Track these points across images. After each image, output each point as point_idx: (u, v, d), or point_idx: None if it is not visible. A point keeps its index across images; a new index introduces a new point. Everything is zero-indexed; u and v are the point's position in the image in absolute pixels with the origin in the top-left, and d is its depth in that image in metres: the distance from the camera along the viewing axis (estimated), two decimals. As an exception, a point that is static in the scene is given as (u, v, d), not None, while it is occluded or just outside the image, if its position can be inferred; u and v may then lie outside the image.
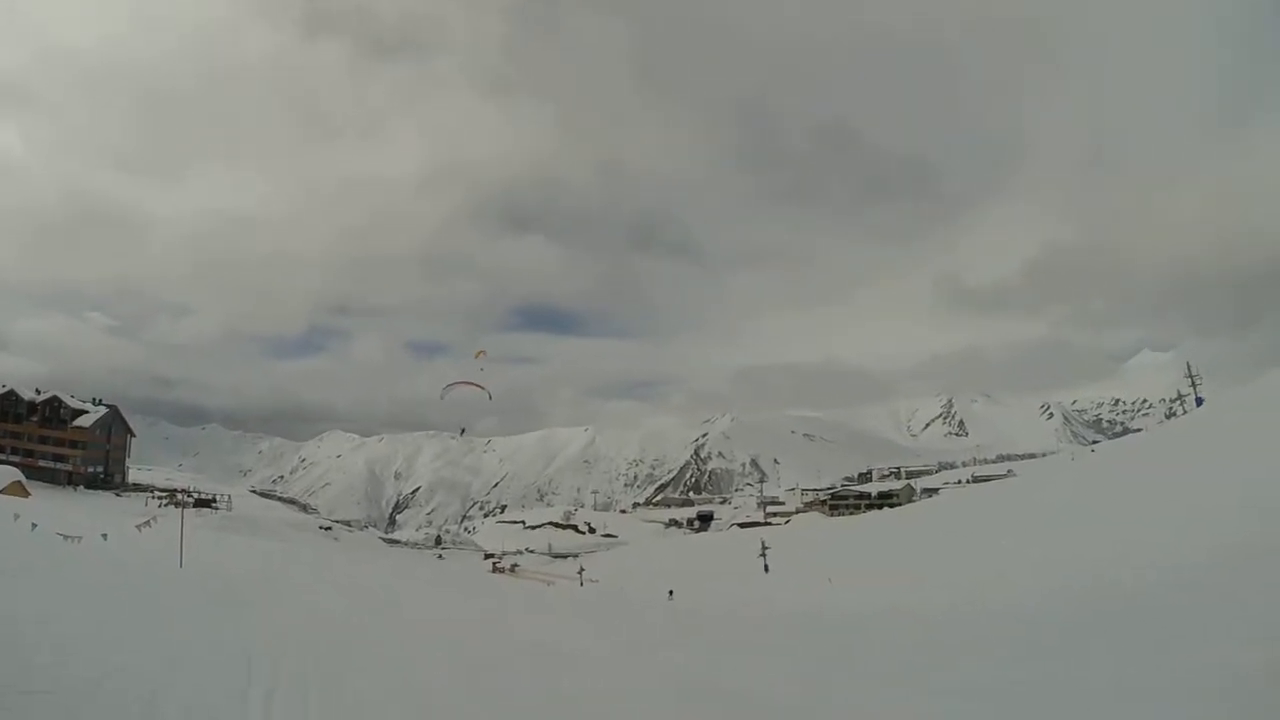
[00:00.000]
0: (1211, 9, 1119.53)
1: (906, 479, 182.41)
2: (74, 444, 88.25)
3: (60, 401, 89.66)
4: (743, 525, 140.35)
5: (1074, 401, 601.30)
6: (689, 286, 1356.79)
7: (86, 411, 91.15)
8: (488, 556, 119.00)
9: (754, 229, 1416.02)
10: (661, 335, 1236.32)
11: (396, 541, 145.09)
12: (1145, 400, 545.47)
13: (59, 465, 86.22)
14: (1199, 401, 75.00)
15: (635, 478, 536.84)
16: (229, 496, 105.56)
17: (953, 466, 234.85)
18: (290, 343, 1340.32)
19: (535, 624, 29.09)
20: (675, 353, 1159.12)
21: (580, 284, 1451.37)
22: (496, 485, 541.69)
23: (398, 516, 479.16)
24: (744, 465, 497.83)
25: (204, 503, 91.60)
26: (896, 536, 63.70)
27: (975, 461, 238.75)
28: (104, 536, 36.51)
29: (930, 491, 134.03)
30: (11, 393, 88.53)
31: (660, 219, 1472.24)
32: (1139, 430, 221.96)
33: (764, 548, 61.24)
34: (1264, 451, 33.26)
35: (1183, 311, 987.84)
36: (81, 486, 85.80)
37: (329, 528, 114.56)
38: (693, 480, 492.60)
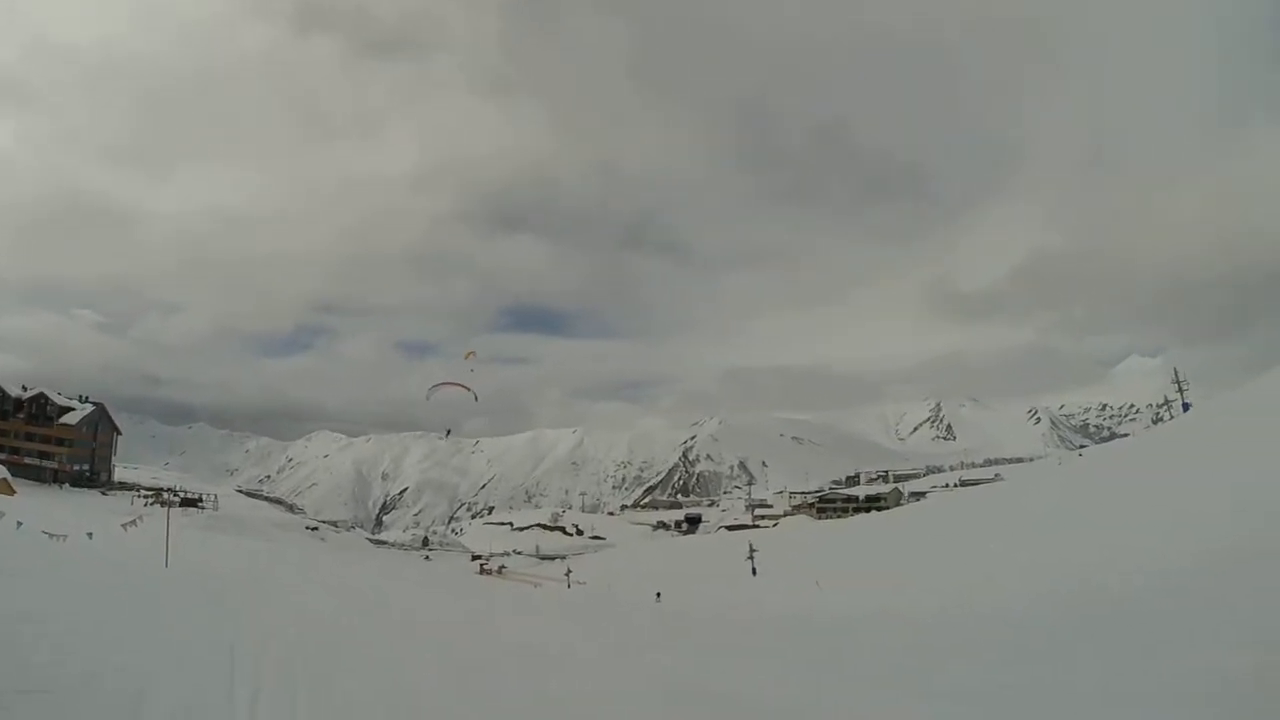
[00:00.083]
0: (1208, 14, 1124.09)
1: (894, 482, 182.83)
2: (60, 441, 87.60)
3: (47, 398, 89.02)
4: (731, 528, 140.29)
5: (1061, 406, 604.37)
6: (679, 287, 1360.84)
7: (73, 409, 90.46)
8: (475, 558, 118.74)
9: (745, 230, 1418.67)
10: (651, 336, 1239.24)
11: (383, 542, 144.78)
12: (1133, 405, 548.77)
13: (45, 463, 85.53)
14: (1186, 407, 75.45)
15: (623, 480, 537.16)
16: (215, 496, 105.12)
17: (940, 470, 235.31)
18: (279, 341, 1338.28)
19: (523, 626, 29.05)
20: (665, 354, 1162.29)
21: (571, 284, 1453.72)
22: (484, 486, 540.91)
23: (385, 517, 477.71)
24: (732, 468, 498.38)
25: (190, 502, 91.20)
26: (884, 540, 63.81)
27: (963, 465, 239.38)
28: (89, 535, 36.21)
29: (918, 495, 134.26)
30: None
31: (652, 219, 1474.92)
32: (1126, 435, 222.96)
33: (752, 550, 61.31)
34: (1251, 457, 33.40)
35: (1171, 317, 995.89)
36: (67, 484, 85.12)
37: (315, 528, 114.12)
38: (681, 482, 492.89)
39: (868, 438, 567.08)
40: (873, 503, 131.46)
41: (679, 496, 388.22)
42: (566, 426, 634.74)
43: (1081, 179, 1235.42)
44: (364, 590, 36.62)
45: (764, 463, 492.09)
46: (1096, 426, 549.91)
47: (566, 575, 70.96)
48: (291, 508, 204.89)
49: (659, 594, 48.04)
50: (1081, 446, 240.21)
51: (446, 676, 15.15)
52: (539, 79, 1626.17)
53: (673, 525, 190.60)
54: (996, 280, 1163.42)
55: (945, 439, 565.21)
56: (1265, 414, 42.53)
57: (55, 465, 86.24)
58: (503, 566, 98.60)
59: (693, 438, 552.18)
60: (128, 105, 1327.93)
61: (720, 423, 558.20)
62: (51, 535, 31.80)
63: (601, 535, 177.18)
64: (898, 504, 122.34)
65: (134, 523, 46.74)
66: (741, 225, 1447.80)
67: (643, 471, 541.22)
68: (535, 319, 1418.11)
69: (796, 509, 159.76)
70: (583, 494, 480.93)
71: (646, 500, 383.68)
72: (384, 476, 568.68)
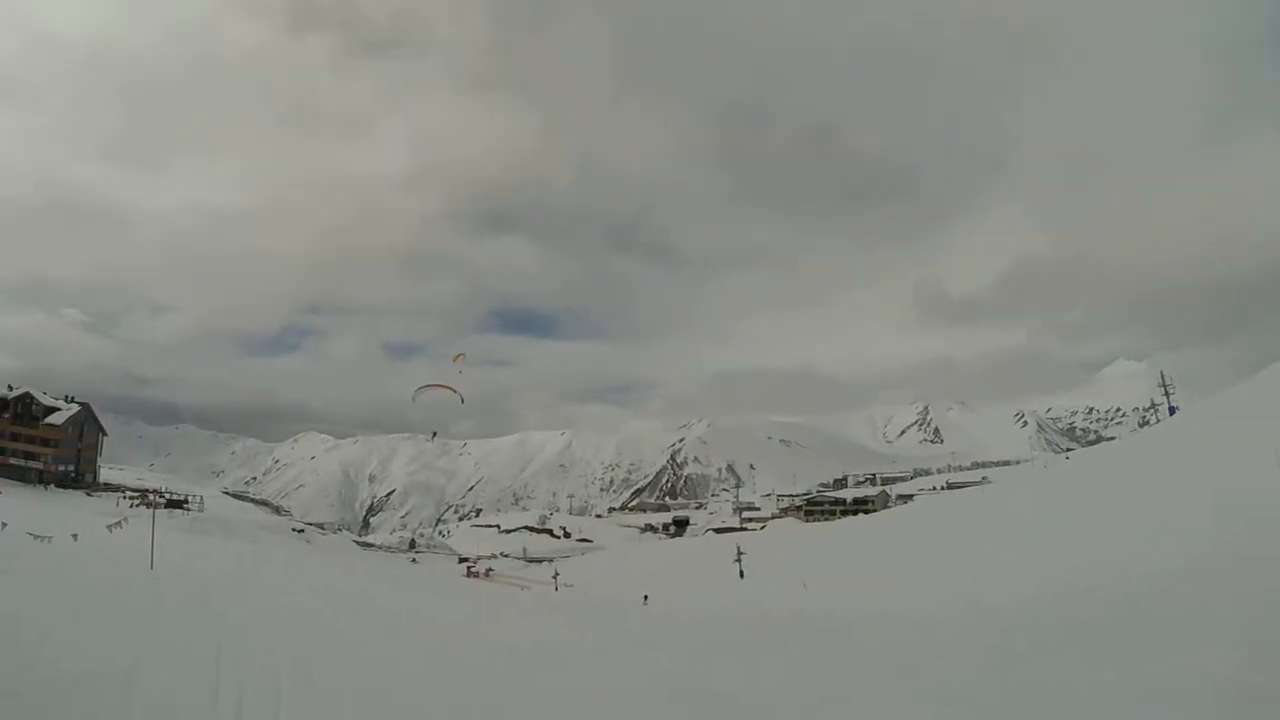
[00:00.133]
0: (1197, 22, 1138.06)
1: (882, 485, 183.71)
2: (46, 442, 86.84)
3: (32, 398, 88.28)
4: (719, 531, 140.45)
5: (1048, 409, 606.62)
6: (668, 289, 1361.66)
7: (59, 409, 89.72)
8: (462, 560, 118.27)
9: (734, 233, 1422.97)
10: (639, 339, 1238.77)
11: (370, 545, 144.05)
12: (1119, 409, 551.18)
13: (30, 463, 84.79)
14: (1172, 411, 75.92)
15: (611, 482, 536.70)
16: (201, 497, 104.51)
17: (928, 473, 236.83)
18: (266, 341, 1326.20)
19: (511, 628, 28.95)
20: (653, 357, 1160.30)
21: (559, 285, 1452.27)
22: (472, 489, 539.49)
23: (371, 519, 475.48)
24: (720, 470, 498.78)
25: (175, 503, 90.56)
26: (872, 542, 63.99)
27: (950, 468, 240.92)
28: (75, 537, 36.01)
29: (905, 498, 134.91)
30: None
31: (641, 221, 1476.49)
32: (1113, 439, 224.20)
33: (739, 553, 61.28)
34: (1236, 461, 33.71)
35: (1158, 322, 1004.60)
36: (52, 485, 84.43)
37: (302, 530, 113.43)
38: (669, 485, 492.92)
39: (855, 441, 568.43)
40: (860, 505, 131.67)
41: (667, 499, 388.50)
42: (554, 429, 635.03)
43: (1070, 184, 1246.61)
44: (351, 592, 36.48)
45: (752, 465, 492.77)
46: (1083, 430, 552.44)
47: (554, 578, 70.66)
48: (278, 509, 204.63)
49: (646, 596, 47.94)
50: (1068, 450, 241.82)
51: (435, 678, 15.10)
52: (528, 79, 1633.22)
53: (660, 528, 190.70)
54: (984, 284, 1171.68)
55: (932, 442, 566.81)
56: (1250, 418, 42.89)
57: (41, 466, 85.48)
58: (490, 569, 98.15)
59: (681, 440, 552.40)
60: (116, 101, 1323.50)
61: (708, 425, 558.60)
62: (37, 537, 31.64)
63: (589, 538, 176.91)
64: (885, 507, 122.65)
65: (119, 524, 46.50)
66: (730, 227, 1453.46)
67: (630, 474, 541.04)
68: (523, 320, 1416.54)
69: (784, 512, 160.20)
70: (570, 496, 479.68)
71: (634, 503, 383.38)
72: (371, 478, 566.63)
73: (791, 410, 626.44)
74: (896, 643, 21.40)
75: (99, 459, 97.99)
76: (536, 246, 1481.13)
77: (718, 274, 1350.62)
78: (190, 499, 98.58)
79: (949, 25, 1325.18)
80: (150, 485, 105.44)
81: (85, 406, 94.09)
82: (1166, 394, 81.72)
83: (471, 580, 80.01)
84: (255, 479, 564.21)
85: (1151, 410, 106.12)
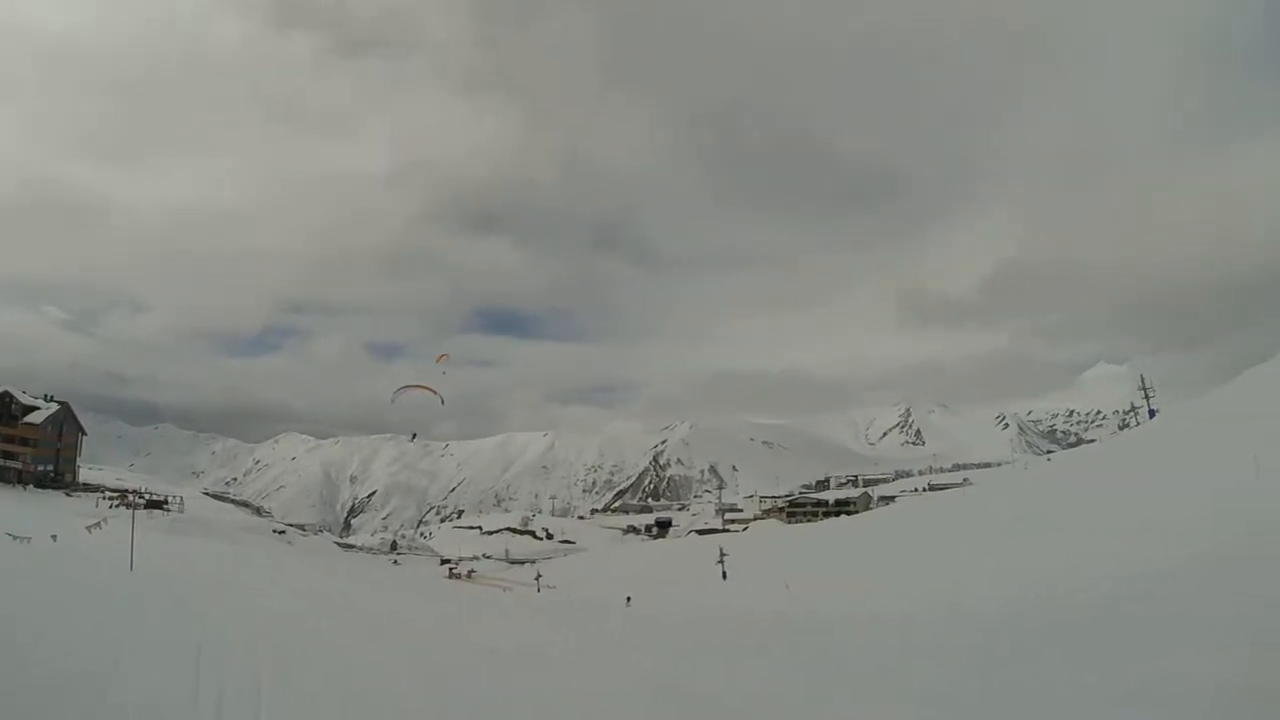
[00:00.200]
0: (1181, 29, 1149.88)
1: (864, 487, 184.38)
2: (25, 441, 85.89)
3: (11, 397, 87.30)
4: (701, 532, 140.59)
5: (1029, 412, 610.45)
6: (651, 291, 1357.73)
7: (38, 408, 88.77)
8: (444, 562, 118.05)
9: (717, 235, 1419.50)
10: (622, 340, 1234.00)
11: (352, 546, 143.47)
12: (1099, 411, 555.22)
13: (9, 463, 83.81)
14: (1153, 413, 76.59)
15: (594, 483, 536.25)
16: (181, 498, 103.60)
17: (909, 475, 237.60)
18: (247, 341, 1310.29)
19: (494, 629, 28.91)
20: (636, 358, 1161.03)
21: (542, 286, 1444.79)
22: (454, 490, 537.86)
23: (353, 521, 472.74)
24: (703, 472, 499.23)
25: (155, 504, 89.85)
26: (854, 544, 64.26)
27: (932, 470, 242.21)
28: (54, 538, 35.76)
29: (887, 499, 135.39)
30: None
31: (624, 222, 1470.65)
32: (1093, 441, 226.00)
33: (722, 555, 61.39)
34: (1216, 463, 34.07)
35: (1139, 326, 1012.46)
36: (31, 486, 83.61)
37: (283, 531, 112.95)
38: (651, 487, 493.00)
39: (838, 442, 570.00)
40: (842, 507, 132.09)
41: (649, 500, 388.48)
42: (537, 430, 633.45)
43: (1053, 188, 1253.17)
44: (332, 594, 36.31)
45: (734, 467, 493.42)
46: (1064, 432, 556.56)
47: (536, 579, 70.61)
48: (258, 510, 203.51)
49: (629, 598, 47.94)
50: (1049, 452, 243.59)
51: (417, 679, 15.05)
52: (513, 77, 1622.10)
53: (643, 529, 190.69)
54: (967, 287, 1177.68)
55: (914, 444, 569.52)
56: (1229, 421, 43.37)
57: (19, 466, 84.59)
58: (472, 571, 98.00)
59: (663, 442, 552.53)
60: (96, 95, 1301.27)
61: (691, 427, 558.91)
62: (15, 537, 31.41)
63: (571, 539, 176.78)
64: (867, 508, 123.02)
65: (99, 525, 46.25)
66: (714, 229, 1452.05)
67: (613, 475, 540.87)
68: (506, 321, 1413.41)
69: (767, 513, 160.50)
70: (553, 498, 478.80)
71: (617, 504, 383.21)
72: (352, 479, 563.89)
73: (774, 412, 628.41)
74: (878, 644, 21.49)
75: (78, 459, 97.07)
76: (520, 246, 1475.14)
77: (701, 275, 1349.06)
78: (170, 500, 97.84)
79: (937, 32, 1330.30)
80: (130, 485, 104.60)
81: (64, 406, 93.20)
82: (1146, 397, 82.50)
83: (453, 582, 79.86)
84: (235, 480, 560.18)
85: (1132, 413, 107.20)
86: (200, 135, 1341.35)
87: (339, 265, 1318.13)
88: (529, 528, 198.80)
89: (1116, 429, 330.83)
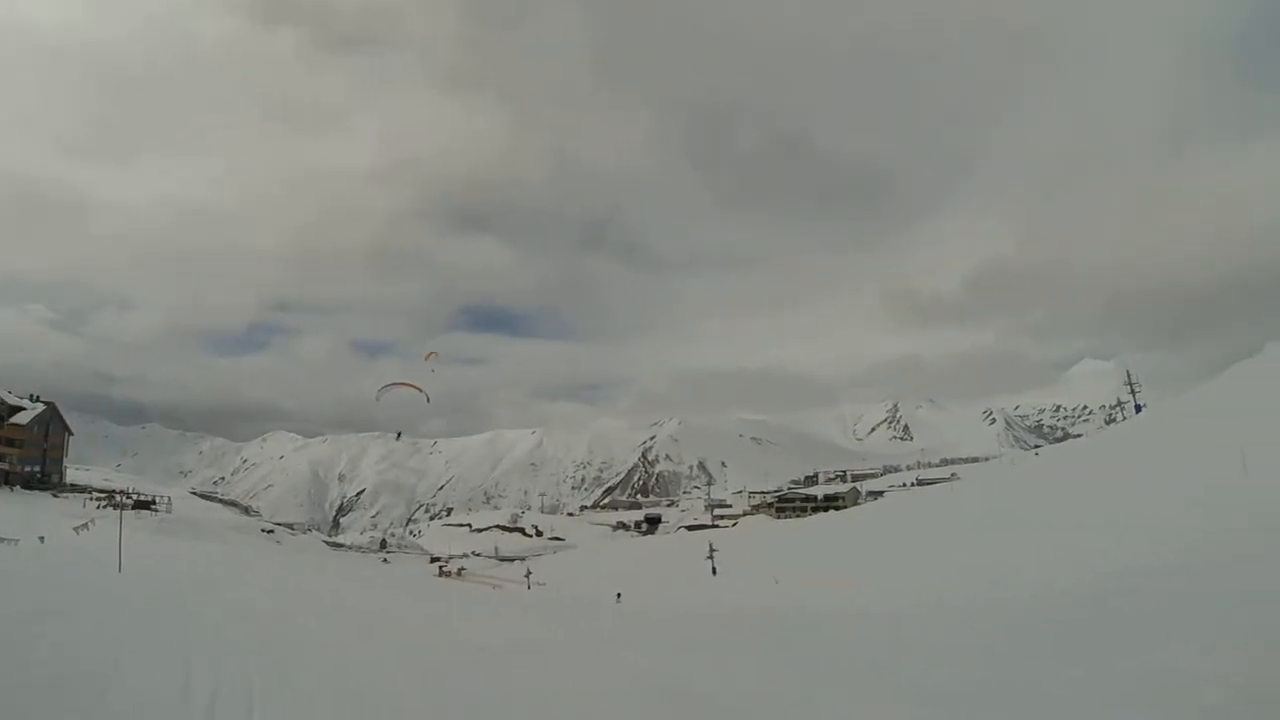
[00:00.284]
0: (1162, 32, 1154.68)
1: (852, 482, 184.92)
2: (11, 442, 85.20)
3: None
4: (690, 528, 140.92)
5: (1016, 407, 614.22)
6: (639, 289, 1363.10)
7: (24, 408, 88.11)
8: (434, 560, 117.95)
9: (705, 234, 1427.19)
10: (611, 338, 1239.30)
11: (341, 545, 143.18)
12: (1085, 407, 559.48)
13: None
14: (1139, 409, 77.05)
15: (583, 480, 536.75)
16: (169, 498, 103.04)
17: (897, 470, 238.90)
18: (234, 340, 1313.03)
19: (484, 627, 28.88)
20: (624, 355, 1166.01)
21: (530, 284, 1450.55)
22: (443, 488, 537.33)
23: (342, 519, 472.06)
24: (691, 468, 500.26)
25: (143, 504, 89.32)
26: (842, 539, 64.44)
27: (920, 465, 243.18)
28: (41, 539, 35.59)
29: (875, 494, 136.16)
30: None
31: (612, 221, 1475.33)
32: (1079, 435, 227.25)
33: (711, 550, 61.57)
34: (1201, 459, 34.33)
35: (1124, 323, 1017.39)
36: (18, 487, 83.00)
37: (271, 530, 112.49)
38: (640, 483, 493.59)
39: (826, 438, 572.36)
40: (831, 502, 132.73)
41: (639, 497, 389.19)
42: (525, 427, 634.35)
43: (1049, 189, 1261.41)
44: (321, 593, 36.19)
45: (723, 463, 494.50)
46: (1050, 427, 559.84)
47: (526, 577, 70.64)
48: (247, 510, 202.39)
49: (619, 594, 48.04)
50: (1036, 447, 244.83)
51: (410, 677, 15.03)
52: (499, 76, 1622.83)
53: (632, 526, 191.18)
54: (953, 285, 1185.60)
55: (902, 439, 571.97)
56: (1214, 417, 43.71)
57: (6, 467, 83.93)
58: (462, 568, 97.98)
59: (652, 438, 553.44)
60: (84, 92, 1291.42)
61: (680, 423, 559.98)
62: (2, 539, 31.21)
63: (561, 536, 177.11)
64: (855, 503, 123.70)
65: (86, 526, 45.98)
66: (701, 228, 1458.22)
67: (602, 472, 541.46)
68: (494, 319, 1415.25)
69: (756, 509, 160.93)
70: (542, 495, 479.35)
71: (606, 501, 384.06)
72: (341, 478, 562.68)
73: (762, 408, 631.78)
74: (867, 640, 21.59)
75: (65, 459, 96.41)
76: (508, 245, 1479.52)
77: (689, 274, 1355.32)
78: (158, 500, 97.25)
79: (921, 34, 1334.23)
80: (117, 486, 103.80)
81: (51, 406, 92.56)
82: (1133, 392, 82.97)
83: (443, 580, 79.76)
84: (223, 479, 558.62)
85: (1118, 408, 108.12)
86: (187, 134, 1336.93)
87: (326, 263, 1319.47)
88: (518, 525, 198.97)
89: (1103, 424, 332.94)
